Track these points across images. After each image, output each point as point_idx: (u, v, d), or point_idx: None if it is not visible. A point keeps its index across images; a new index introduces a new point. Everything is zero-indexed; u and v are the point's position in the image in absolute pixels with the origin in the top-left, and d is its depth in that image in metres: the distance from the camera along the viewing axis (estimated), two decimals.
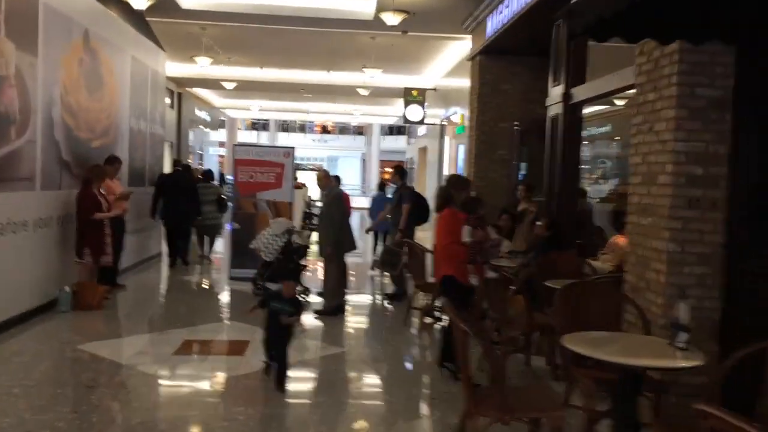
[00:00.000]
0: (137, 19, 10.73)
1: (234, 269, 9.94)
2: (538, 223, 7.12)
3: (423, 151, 20.16)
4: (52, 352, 5.72)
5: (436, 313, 7.18)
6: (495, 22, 8.94)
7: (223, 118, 32.10)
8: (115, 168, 8.51)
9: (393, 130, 49.23)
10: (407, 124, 18.74)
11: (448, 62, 15.73)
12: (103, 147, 8.74)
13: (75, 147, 7.86)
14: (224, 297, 9.05)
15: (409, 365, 6.13)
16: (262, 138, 46.74)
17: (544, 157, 7.47)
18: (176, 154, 20.33)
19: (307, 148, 46.74)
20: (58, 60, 7.33)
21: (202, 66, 14.57)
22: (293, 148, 10.13)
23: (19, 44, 6.34)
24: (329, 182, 8.09)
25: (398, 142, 48.59)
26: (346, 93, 20.76)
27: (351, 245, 7.85)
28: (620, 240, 6.84)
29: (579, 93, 6.90)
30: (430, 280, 7.05)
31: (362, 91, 18.04)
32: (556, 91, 7.34)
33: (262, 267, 8.59)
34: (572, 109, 7.04)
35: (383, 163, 48.30)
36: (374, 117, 33.14)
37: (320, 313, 7.56)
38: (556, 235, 6.78)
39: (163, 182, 10.80)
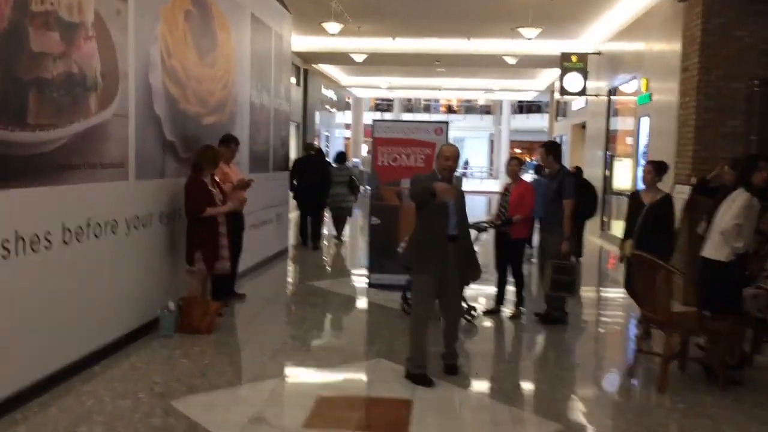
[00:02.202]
0: None
1: (374, 275, 8.05)
2: None
3: (578, 128, 17.39)
4: (135, 412, 3.97)
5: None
6: None
7: (348, 99, 30.69)
8: (232, 150, 6.79)
9: (523, 109, 46.12)
10: (565, 97, 16.11)
11: (619, 18, 12.97)
12: (217, 124, 7.06)
13: (182, 124, 6.20)
14: (365, 315, 7.13)
15: None
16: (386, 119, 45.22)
17: None
18: (302, 136, 18.94)
19: None
20: (156, 9, 5.63)
21: (332, 32, 12.81)
22: (446, 122, 8.02)
23: None
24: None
25: (530, 120, 45.50)
26: (488, 63, 18.39)
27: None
28: None
29: None
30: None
31: (509, 60, 15.65)
32: None
33: None
34: None
35: (513, 144, 45.43)
36: (512, 93, 30.45)
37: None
38: None
39: (297, 165, 11.10)
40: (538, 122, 44.06)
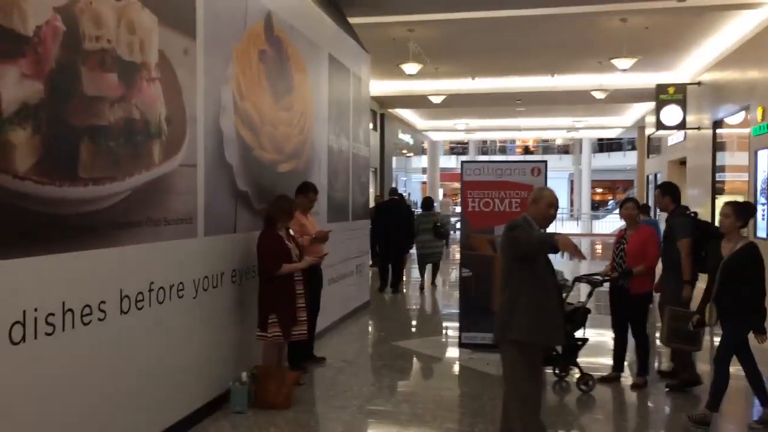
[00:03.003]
0: (334, 11, 8.61)
1: (465, 333, 7.21)
2: None
3: (676, 165, 16.10)
4: None
5: None
6: None
7: (423, 144, 30.26)
8: (310, 199, 6.20)
9: (603, 147, 44.53)
10: (658, 132, 14.98)
11: (720, 46, 11.91)
12: (293, 172, 6.52)
13: (256, 172, 5.66)
14: (460, 384, 6.25)
15: None
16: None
17: None
18: (380, 182, 18.47)
19: None
20: (228, 49, 5.15)
21: (409, 73, 12.31)
22: (545, 162, 7.21)
23: (164, 19, 4.18)
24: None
25: (611, 159, 43.89)
26: (573, 100, 17.49)
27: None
28: None
29: None
30: None
31: (598, 95, 14.70)
32: None
33: None
34: None
35: (594, 184, 43.70)
36: (595, 131, 29.18)
37: None
38: None
39: (379, 210, 11.24)
40: (619, 161, 42.41)
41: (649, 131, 19.68)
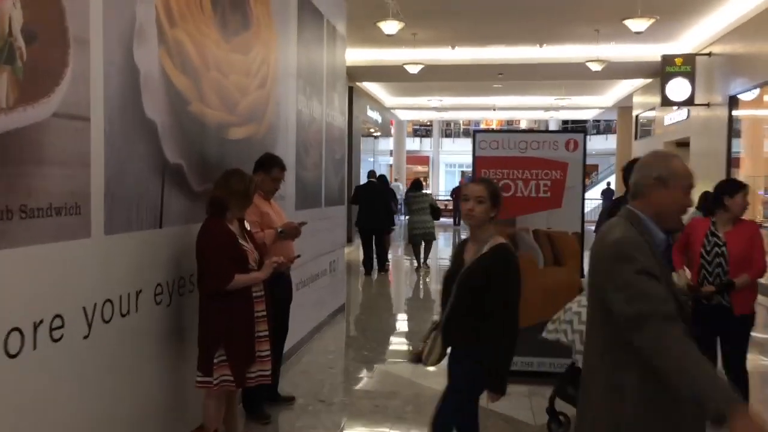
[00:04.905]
0: None
1: None
2: None
3: (673, 147, 14.72)
4: None
5: None
6: None
7: (392, 124, 28.52)
8: (274, 179, 4.38)
9: (568, 131, 43.56)
10: (645, 113, 13.60)
11: (736, 12, 10.50)
12: (250, 140, 4.69)
13: (195, 137, 3.83)
14: None
15: None
16: (425, 146, 43.03)
17: None
18: (347, 163, 16.67)
19: (469, 154, 42.56)
20: None
21: (388, 32, 10.57)
22: (583, 133, 5.54)
23: None
24: None
25: None
26: (561, 74, 15.94)
27: None
28: None
29: None
30: None
31: (594, 66, 13.12)
32: None
33: (571, 372, 4.07)
34: None
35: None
36: (572, 112, 27.78)
37: None
38: None
39: (359, 192, 11.16)
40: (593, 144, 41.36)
41: (637, 111, 18.36)
